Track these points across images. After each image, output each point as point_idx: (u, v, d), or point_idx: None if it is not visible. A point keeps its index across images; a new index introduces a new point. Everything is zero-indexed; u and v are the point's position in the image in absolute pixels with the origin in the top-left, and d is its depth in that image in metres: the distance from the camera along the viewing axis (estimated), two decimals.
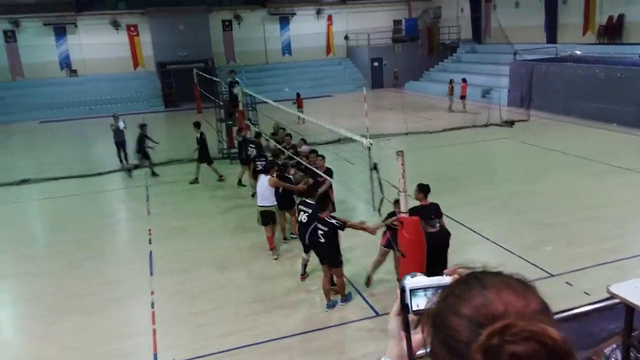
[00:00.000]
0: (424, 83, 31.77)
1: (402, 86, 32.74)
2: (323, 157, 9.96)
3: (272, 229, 9.20)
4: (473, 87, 24.37)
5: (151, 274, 8.80)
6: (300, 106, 21.75)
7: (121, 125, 16.27)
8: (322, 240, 7.05)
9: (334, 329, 6.89)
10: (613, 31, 23.04)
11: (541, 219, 10.20)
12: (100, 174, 15.90)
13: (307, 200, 7.84)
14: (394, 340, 1.10)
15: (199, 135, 13.84)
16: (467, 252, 9.03)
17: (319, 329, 6.89)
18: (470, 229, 9.74)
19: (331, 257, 7.07)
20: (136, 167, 16.01)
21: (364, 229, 7.23)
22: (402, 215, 5.67)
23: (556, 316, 2.18)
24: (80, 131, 24.59)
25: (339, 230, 6.95)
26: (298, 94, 23.09)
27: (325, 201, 7.28)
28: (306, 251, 7.93)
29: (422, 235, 5.68)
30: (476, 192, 12.05)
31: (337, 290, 7.33)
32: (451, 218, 9.99)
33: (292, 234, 9.71)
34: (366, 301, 7.48)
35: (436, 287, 1.00)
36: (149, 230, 10.77)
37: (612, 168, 13.17)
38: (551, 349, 0.77)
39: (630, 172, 12.65)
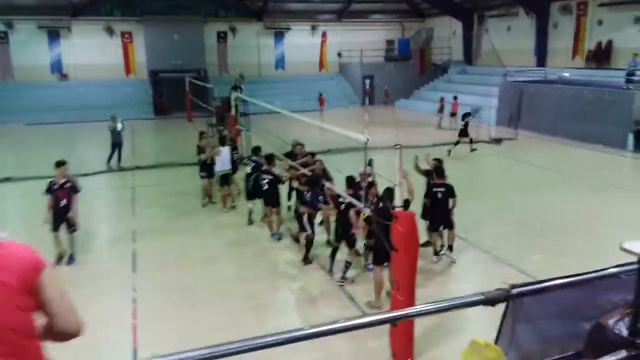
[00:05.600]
0: (414, 101, 32.07)
1: (392, 104, 33.00)
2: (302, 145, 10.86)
3: (227, 189, 11.64)
4: (463, 106, 24.51)
5: (134, 271, 8.57)
6: (322, 104, 28.88)
7: (119, 126, 16.23)
8: (266, 187, 9.64)
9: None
10: (601, 56, 23.52)
11: (531, 229, 10.21)
12: (85, 174, 15.61)
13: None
14: None
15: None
16: (456, 258, 8.97)
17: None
18: (459, 237, 9.68)
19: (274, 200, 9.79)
20: (122, 169, 16.01)
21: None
22: (397, 209, 5.60)
23: (553, 282, 2.07)
24: (67, 134, 24.28)
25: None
26: (320, 94, 29.27)
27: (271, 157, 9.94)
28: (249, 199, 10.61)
29: (415, 230, 5.60)
30: (465, 203, 11.99)
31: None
32: None
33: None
34: (356, 303, 7.35)
35: None
36: (134, 229, 10.55)
37: (599, 185, 13.30)
38: None
39: (617, 189, 12.78)
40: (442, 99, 24.33)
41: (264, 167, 9.92)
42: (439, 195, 8.56)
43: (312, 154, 10.20)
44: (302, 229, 8.70)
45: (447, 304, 2.00)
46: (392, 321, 1.85)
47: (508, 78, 24.43)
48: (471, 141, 17.25)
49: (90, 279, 8.26)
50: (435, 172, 8.71)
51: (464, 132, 17.14)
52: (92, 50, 30.84)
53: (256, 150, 11.35)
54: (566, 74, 23.09)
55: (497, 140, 19.61)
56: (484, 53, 31.39)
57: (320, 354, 5.96)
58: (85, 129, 24.49)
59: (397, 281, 5.58)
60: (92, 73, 30.87)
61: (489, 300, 2.01)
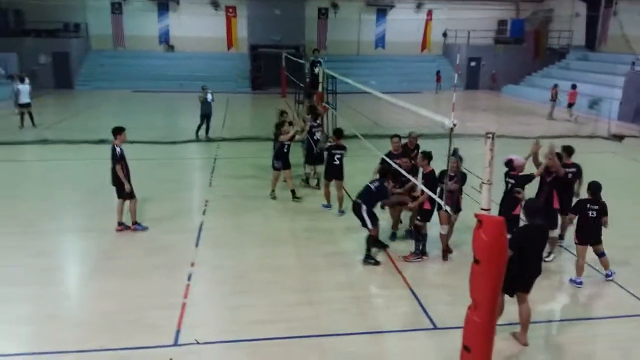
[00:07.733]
0: (524, 88, 29.38)
1: (499, 89, 30.52)
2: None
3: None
4: (580, 96, 21.88)
5: (197, 245, 8.23)
6: (439, 81, 30.30)
7: (209, 97, 16.24)
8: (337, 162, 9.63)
9: (381, 336, 5.87)
10: None
11: None
12: (174, 142, 15.88)
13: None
14: None
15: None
16: (564, 272, 7.62)
17: (366, 333, 5.90)
18: (568, 251, 8.28)
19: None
20: (209, 140, 16.10)
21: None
22: (482, 212, 4.53)
23: None
24: (168, 103, 25.17)
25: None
26: (438, 71, 30.68)
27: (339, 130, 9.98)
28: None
29: (504, 239, 4.50)
30: None
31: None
32: None
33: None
34: (426, 312, 6.38)
35: None
36: (206, 201, 10.29)
37: None
38: None
39: None
40: (555, 86, 21.82)
41: (335, 143, 9.87)
42: (569, 175, 7.98)
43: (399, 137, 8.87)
44: (363, 224, 7.61)
45: None
46: None
47: (637, 68, 21.31)
48: None
49: (154, 250, 8.03)
50: (566, 152, 8.13)
51: None
52: (198, 24, 31.71)
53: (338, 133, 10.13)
54: None
55: (618, 137, 17.13)
56: (610, 39, 27.80)
57: None
58: (185, 99, 25.13)
59: (475, 299, 4.54)
60: (197, 45, 31.82)
61: None
